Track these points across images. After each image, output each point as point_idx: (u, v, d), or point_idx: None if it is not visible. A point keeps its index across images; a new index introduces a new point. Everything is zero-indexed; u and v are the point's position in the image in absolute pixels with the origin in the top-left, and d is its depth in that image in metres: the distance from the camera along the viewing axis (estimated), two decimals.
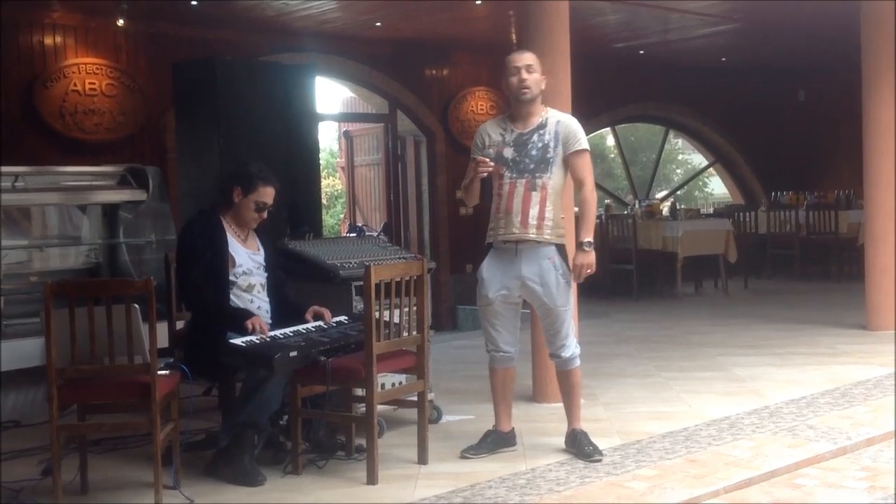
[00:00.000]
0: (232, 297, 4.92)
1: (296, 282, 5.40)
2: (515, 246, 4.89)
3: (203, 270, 4.84)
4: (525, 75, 4.87)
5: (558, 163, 4.90)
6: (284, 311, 5.08)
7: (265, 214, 5.05)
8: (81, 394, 4.47)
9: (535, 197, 4.85)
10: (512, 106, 5.01)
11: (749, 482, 4.56)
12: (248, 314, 4.83)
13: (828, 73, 14.01)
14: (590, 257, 4.84)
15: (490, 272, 4.95)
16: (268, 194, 5.01)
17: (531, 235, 4.85)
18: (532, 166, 4.86)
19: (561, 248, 4.93)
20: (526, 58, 4.95)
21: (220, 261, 4.89)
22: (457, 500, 4.38)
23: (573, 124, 4.98)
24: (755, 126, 15.19)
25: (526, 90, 4.87)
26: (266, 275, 5.11)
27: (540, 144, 4.89)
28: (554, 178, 4.89)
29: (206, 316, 4.87)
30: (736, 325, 9.35)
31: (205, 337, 4.80)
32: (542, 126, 4.92)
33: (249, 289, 5.00)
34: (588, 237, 4.86)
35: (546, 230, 4.86)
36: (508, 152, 4.89)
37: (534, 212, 4.84)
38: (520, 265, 4.89)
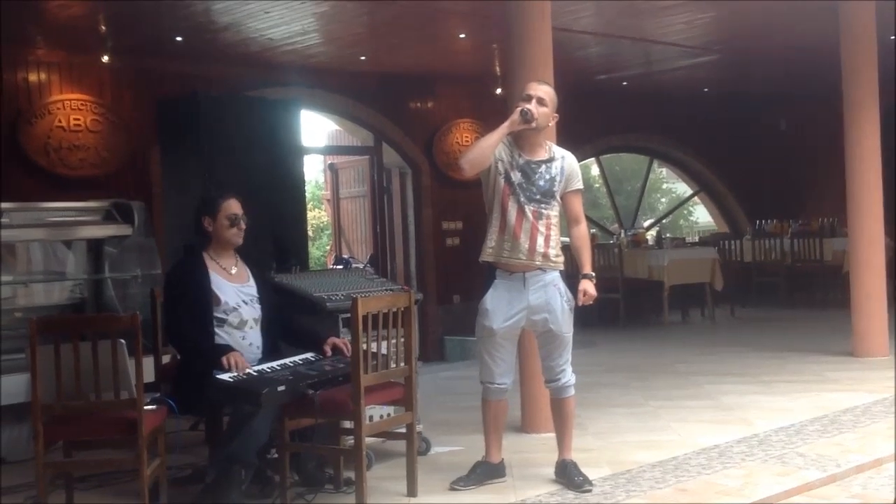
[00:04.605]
0: (222, 334, 4.86)
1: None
2: (523, 274, 4.92)
3: (186, 312, 4.82)
4: (533, 105, 4.87)
5: (558, 197, 5.01)
6: (299, 342, 5.06)
7: (243, 225, 5.03)
8: (68, 430, 4.44)
9: (542, 226, 4.92)
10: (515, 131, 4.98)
11: None
12: (225, 349, 4.76)
13: (809, 103, 14.13)
14: (593, 287, 4.99)
15: (495, 303, 4.96)
16: (233, 206, 5.01)
17: (538, 263, 4.92)
18: (538, 196, 4.93)
19: (562, 274, 5.03)
20: (542, 90, 4.97)
21: (204, 301, 4.87)
22: None
23: (575, 164, 5.11)
24: (738, 155, 15.29)
25: (531, 120, 4.85)
26: (260, 307, 5.06)
27: (547, 177, 4.95)
28: (556, 210, 5.00)
29: (188, 356, 4.84)
30: (723, 353, 9.36)
31: (193, 372, 4.77)
32: (551, 160, 4.99)
33: (242, 325, 4.93)
34: (590, 269, 5.03)
35: (550, 259, 4.95)
36: (516, 176, 4.92)
37: (541, 240, 4.91)
38: (527, 295, 4.93)
